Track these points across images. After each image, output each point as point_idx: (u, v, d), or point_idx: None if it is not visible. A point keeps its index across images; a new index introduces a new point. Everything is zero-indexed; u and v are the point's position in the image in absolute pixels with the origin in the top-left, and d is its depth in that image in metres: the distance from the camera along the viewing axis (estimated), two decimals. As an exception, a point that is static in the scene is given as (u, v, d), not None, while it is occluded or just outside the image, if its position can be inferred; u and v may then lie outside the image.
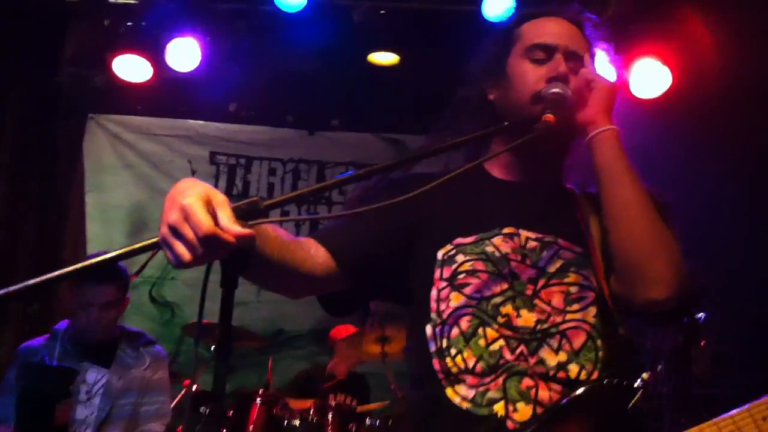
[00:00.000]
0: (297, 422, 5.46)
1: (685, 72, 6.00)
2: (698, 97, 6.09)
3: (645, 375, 1.86)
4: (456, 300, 2.02)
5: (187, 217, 1.47)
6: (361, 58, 6.90)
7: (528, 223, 2.09)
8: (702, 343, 4.45)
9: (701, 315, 4.72)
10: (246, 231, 1.49)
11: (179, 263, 1.49)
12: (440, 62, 6.81)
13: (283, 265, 1.99)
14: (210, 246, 1.47)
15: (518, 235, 2.08)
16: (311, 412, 5.53)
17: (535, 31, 2.22)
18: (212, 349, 6.00)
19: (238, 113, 7.97)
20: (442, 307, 2.04)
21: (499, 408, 1.90)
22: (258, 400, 5.45)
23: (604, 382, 1.92)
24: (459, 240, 2.09)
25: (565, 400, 1.89)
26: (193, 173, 7.85)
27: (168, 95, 7.38)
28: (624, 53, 5.88)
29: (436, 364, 2.00)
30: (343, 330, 6.62)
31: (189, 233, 1.47)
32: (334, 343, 6.70)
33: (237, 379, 7.03)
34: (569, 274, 2.02)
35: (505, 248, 2.06)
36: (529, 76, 2.15)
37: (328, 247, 2.11)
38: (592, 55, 2.27)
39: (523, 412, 1.89)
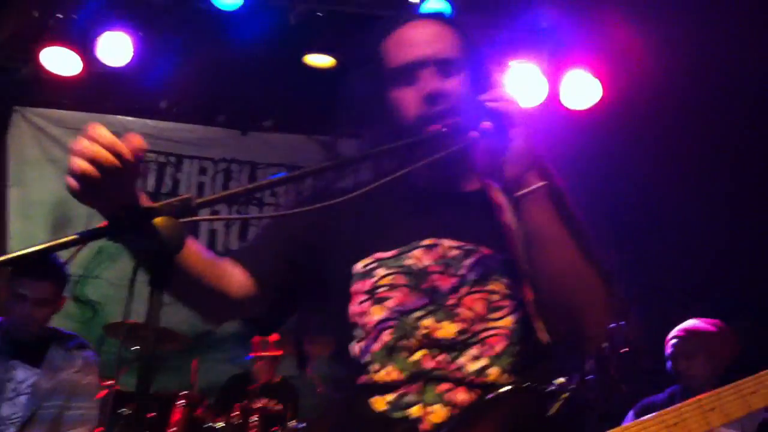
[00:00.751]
0: (220, 425, 5.41)
1: (616, 84, 6.12)
2: (628, 109, 6.23)
3: (559, 380, 1.88)
4: (378, 313, 2.03)
5: (91, 138, 1.52)
6: (296, 60, 6.87)
7: (449, 232, 2.09)
8: (624, 350, 4.55)
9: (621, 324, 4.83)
10: (141, 143, 1.57)
11: (82, 181, 1.50)
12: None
13: (202, 279, 1.98)
14: (111, 162, 1.51)
15: (439, 245, 2.07)
16: (235, 415, 5.49)
17: (394, 51, 2.14)
18: (135, 349, 5.89)
19: (169, 110, 7.85)
20: (364, 320, 2.04)
21: (415, 411, 1.92)
22: (180, 402, 5.38)
23: (518, 386, 1.93)
24: (379, 254, 2.08)
25: (478, 402, 1.91)
26: (121, 170, 7.71)
27: (97, 90, 7.22)
28: (554, 64, 5.98)
29: (362, 378, 2.01)
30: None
31: (92, 147, 1.51)
32: (258, 347, 6.65)
33: (159, 381, 6.90)
34: (491, 282, 2.03)
35: (426, 260, 2.05)
36: (406, 102, 2.09)
37: (246, 267, 2.10)
38: (471, 50, 2.18)
39: (439, 414, 1.91)
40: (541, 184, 1.97)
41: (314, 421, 5.49)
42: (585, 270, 1.98)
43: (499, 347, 1.97)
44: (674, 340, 4.88)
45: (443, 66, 2.10)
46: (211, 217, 5.85)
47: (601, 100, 6.20)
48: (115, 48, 6.27)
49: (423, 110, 2.06)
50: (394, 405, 1.95)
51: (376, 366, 2.00)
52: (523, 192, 1.96)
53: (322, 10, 6.38)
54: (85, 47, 6.31)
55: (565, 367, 2.01)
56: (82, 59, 6.40)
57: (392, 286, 2.03)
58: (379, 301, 2.03)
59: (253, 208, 8.00)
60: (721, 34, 5.65)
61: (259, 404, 5.64)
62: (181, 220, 1.49)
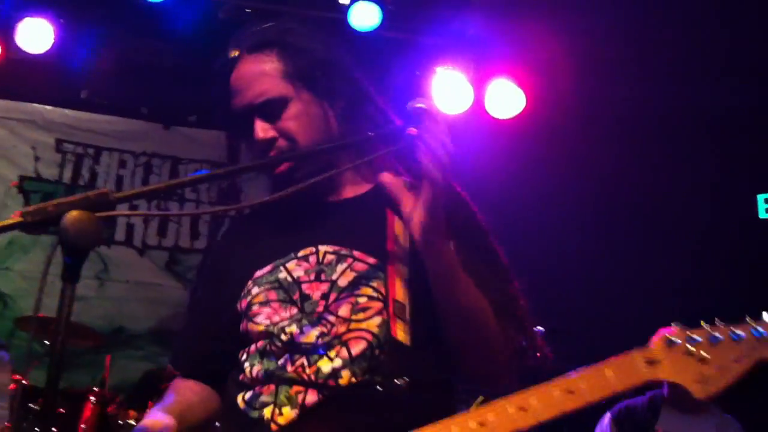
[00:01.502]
0: (132, 421, 5.32)
1: (539, 94, 6.23)
2: (551, 119, 6.34)
3: (399, 381, 1.92)
4: (252, 329, 2.12)
5: None
6: (224, 56, 6.79)
7: (327, 238, 2.13)
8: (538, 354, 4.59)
9: (539, 329, 4.87)
10: None
11: None
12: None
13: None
14: None
15: (316, 252, 2.12)
16: (148, 412, 5.40)
17: (233, 95, 2.23)
18: (46, 343, 5.75)
19: (90, 101, 7.66)
20: (248, 336, 2.14)
21: (267, 411, 1.99)
22: (91, 398, 5.28)
23: (358, 382, 1.98)
24: (257, 273, 2.16)
25: (321, 402, 1.96)
26: (37, 160, 7.52)
27: (15, 77, 6.99)
28: (480, 73, 6.05)
29: (240, 377, 2.12)
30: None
31: None
32: None
33: (71, 377, 6.75)
34: (360, 287, 2.06)
35: (298, 272, 2.11)
36: (254, 151, 2.20)
37: (203, 381, 2.30)
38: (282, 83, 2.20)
39: (287, 415, 1.97)
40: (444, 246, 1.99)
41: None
42: (487, 321, 2.05)
43: (357, 349, 2.00)
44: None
45: (265, 110, 2.16)
46: (129, 212, 5.62)
47: (525, 110, 6.30)
48: (36, 35, 6.12)
49: (262, 159, 2.15)
50: (250, 404, 2.04)
51: (247, 366, 2.10)
52: (428, 247, 1.98)
53: (251, 7, 6.33)
54: (4, 33, 6.14)
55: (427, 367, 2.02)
56: (1, 45, 6.23)
57: (264, 303, 2.12)
58: (252, 318, 2.12)
59: (174, 204, 7.89)
60: (643, 47, 5.81)
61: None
62: (98, 214, 1.47)
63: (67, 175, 7.67)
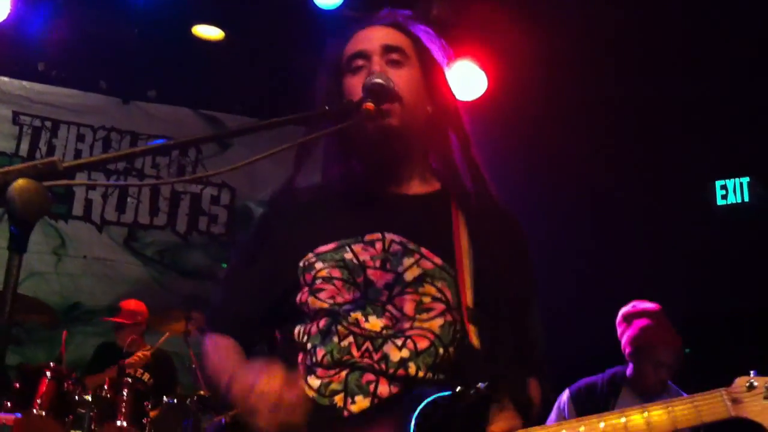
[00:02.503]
0: (89, 397, 5.29)
1: (501, 78, 6.25)
2: (512, 103, 6.37)
3: (480, 385, 1.94)
4: (313, 303, 2.10)
5: None
6: (185, 30, 6.71)
7: (394, 227, 2.14)
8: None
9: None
10: None
11: None
12: (266, 44, 6.76)
13: None
14: None
15: (383, 239, 2.13)
16: (105, 389, 5.38)
17: (351, 45, 2.25)
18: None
19: (48, 73, 7.54)
20: (306, 308, 2.11)
21: (338, 399, 2.00)
22: (47, 374, 5.23)
23: (439, 383, 2.01)
24: (320, 248, 2.14)
25: (399, 394, 1.98)
26: (-7, 132, 7.41)
27: (-29, 47, 6.88)
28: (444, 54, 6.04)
29: (299, 356, 2.09)
30: (133, 305, 6.48)
31: None
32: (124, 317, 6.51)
33: (27, 353, 6.69)
34: (425, 285, 2.08)
35: (364, 255, 2.11)
36: (353, 86, 2.17)
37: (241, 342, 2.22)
38: (421, 43, 2.28)
39: (360, 404, 1.98)
40: None
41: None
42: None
43: (421, 345, 2.02)
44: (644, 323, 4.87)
45: (392, 50, 2.20)
46: (81, 182, 5.53)
47: (486, 92, 6.31)
48: (-8, 4, 5.98)
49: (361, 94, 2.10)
50: (321, 391, 2.02)
51: (309, 346, 2.07)
52: None
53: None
54: (-41, 2, 6.00)
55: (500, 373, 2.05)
56: (-45, 15, 6.09)
57: (327, 279, 2.10)
58: (315, 293, 2.10)
59: (133, 179, 7.83)
60: (604, 36, 5.85)
61: (128, 379, 5.53)
62: (45, 183, 1.44)
63: (24, 147, 7.57)
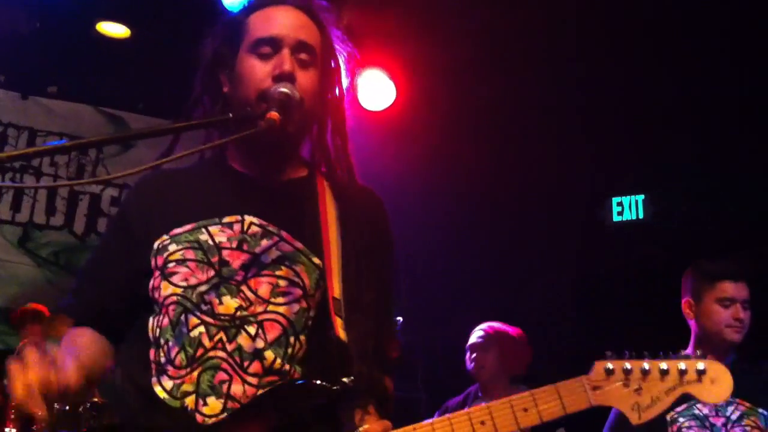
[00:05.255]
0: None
1: (410, 89, 6.30)
2: (420, 114, 6.43)
3: (346, 379, 1.94)
4: (165, 289, 2.05)
5: None
6: (89, 26, 6.55)
7: (255, 211, 2.10)
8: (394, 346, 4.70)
9: (399, 319, 4.94)
10: None
11: None
12: (172, 44, 6.64)
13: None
14: None
15: (241, 221, 2.09)
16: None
17: (261, 23, 2.17)
18: None
19: (-58, 65, 7.25)
20: (156, 295, 2.06)
21: (190, 401, 1.95)
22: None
23: (299, 381, 1.99)
24: (175, 230, 2.09)
25: (256, 397, 1.95)
26: None
27: None
28: (352, 63, 6.04)
29: (152, 353, 2.03)
30: (30, 308, 6.28)
31: None
32: (22, 322, 6.29)
33: None
34: (282, 267, 2.05)
35: (220, 237, 2.07)
36: (256, 73, 2.12)
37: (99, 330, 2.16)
38: (329, 39, 2.27)
39: (213, 406, 1.94)
40: None
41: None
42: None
43: (273, 334, 2.00)
44: (476, 334, 5.09)
45: (303, 49, 2.15)
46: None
47: (395, 103, 6.35)
48: None
49: (266, 86, 2.08)
50: (173, 393, 1.97)
51: (162, 341, 2.02)
52: None
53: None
54: None
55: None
56: None
57: (180, 261, 2.05)
58: (167, 276, 2.05)
59: (30, 178, 7.59)
60: (510, 47, 5.96)
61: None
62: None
63: None
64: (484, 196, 7.00)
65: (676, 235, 6.44)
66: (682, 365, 2.07)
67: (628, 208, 6.73)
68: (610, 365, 2.05)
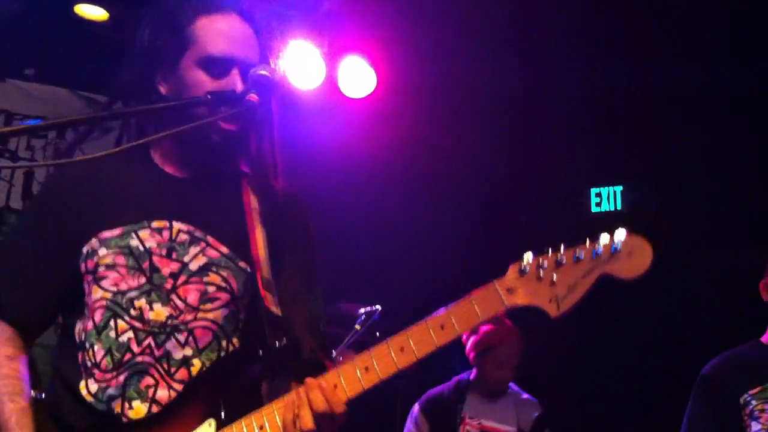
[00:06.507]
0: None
1: (390, 76, 6.27)
2: (400, 102, 6.41)
3: (278, 342, 2.01)
4: (95, 293, 2.08)
5: None
6: (66, 8, 6.47)
7: (183, 216, 2.13)
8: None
9: (377, 309, 4.94)
10: None
11: None
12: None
13: None
14: None
15: (170, 228, 2.11)
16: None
17: (211, 38, 2.15)
18: None
19: None
20: (87, 300, 2.09)
21: (116, 405, 2.00)
22: None
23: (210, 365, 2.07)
24: (104, 234, 2.10)
25: (170, 398, 2.02)
26: None
27: None
28: (334, 50, 6.02)
29: (79, 356, 2.07)
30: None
31: None
32: None
33: None
34: (209, 274, 2.10)
35: (150, 242, 2.09)
36: (200, 86, 2.12)
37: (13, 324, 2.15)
38: (264, 46, 2.28)
39: (138, 410, 1.99)
40: None
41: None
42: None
43: (204, 340, 2.07)
44: (487, 328, 4.98)
45: (246, 70, 2.13)
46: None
47: (376, 90, 6.32)
48: None
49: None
50: (98, 396, 2.01)
51: (87, 345, 2.05)
52: None
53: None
54: None
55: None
56: None
57: (111, 266, 2.07)
58: (98, 281, 2.07)
59: (5, 161, 7.50)
60: (491, 34, 5.96)
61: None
62: None
63: None
64: (464, 185, 7.00)
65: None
66: (597, 247, 2.02)
67: (606, 198, 6.76)
68: (523, 265, 2.01)
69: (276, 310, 2.07)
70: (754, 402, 3.50)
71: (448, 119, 6.62)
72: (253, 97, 2.01)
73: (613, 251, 2.01)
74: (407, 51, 6.20)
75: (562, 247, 2.03)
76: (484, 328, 4.97)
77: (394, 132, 6.54)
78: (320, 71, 6.03)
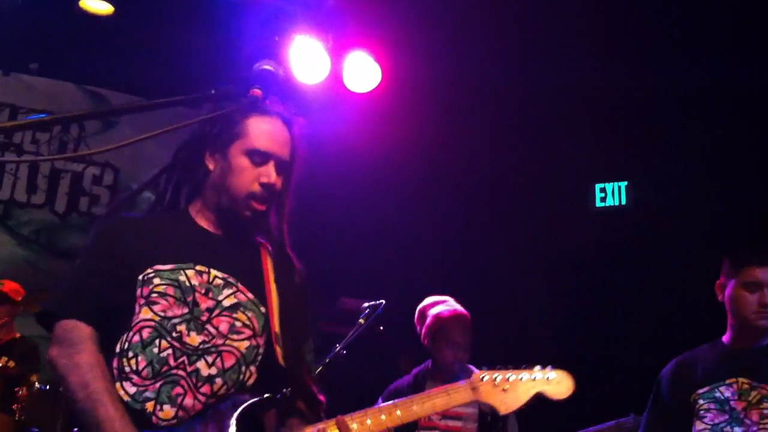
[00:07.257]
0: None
1: (395, 71, 6.28)
2: (405, 96, 6.42)
3: (285, 390, 2.50)
4: (145, 313, 2.47)
5: None
6: (71, 2, 6.49)
7: (219, 265, 2.59)
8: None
9: (381, 303, 4.94)
10: None
11: None
12: (154, 23, 6.60)
13: None
14: None
15: (208, 272, 2.57)
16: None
17: (259, 135, 2.61)
18: None
19: None
20: (134, 318, 2.47)
21: (149, 405, 2.38)
22: None
23: (263, 395, 2.47)
24: (158, 266, 2.53)
25: (206, 408, 2.41)
26: None
27: None
28: (338, 44, 6.03)
29: (114, 362, 2.44)
30: (11, 285, 6.25)
31: None
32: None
33: None
34: (238, 312, 2.56)
35: (195, 281, 2.54)
36: (246, 175, 2.58)
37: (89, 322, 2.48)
38: (296, 156, 2.71)
39: (167, 412, 2.38)
40: None
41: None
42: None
43: (229, 362, 2.50)
44: (446, 313, 4.93)
45: (281, 167, 2.64)
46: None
47: (380, 85, 6.33)
48: None
49: (255, 189, 2.57)
50: (135, 397, 2.39)
51: (130, 354, 2.44)
52: None
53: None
54: None
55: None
56: None
57: (162, 294, 2.48)
58: (150, 304, 2.47)
59: (11, 155, 7.56)
60: (496, 29, 5.97)
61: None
62: None
63: None
64: (468, 181, 7.01)
65: (658, 221, 6.47)
66: (537, 374, 2.82)
67: (611, 194, 6.77)
68: (484, 375, 2.79)
69: (282, 362, 2.56)
70: (701, 401, 3.56)
71: (452, 115, 6.63)
72: (256, 91, 2.09)
73: (548, 378, 2.83)
74: (412, 46, 6.21)
75: (510, 366, 2.81)
76: (434, 312, 4.97)
77: (398, 127, 6.56)
78: (325, 66, 6.04)
